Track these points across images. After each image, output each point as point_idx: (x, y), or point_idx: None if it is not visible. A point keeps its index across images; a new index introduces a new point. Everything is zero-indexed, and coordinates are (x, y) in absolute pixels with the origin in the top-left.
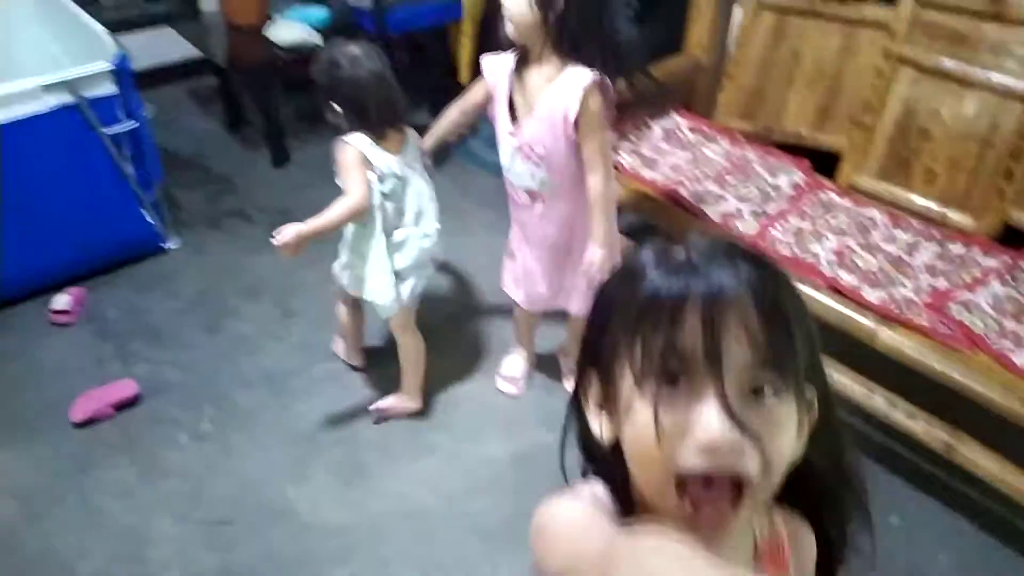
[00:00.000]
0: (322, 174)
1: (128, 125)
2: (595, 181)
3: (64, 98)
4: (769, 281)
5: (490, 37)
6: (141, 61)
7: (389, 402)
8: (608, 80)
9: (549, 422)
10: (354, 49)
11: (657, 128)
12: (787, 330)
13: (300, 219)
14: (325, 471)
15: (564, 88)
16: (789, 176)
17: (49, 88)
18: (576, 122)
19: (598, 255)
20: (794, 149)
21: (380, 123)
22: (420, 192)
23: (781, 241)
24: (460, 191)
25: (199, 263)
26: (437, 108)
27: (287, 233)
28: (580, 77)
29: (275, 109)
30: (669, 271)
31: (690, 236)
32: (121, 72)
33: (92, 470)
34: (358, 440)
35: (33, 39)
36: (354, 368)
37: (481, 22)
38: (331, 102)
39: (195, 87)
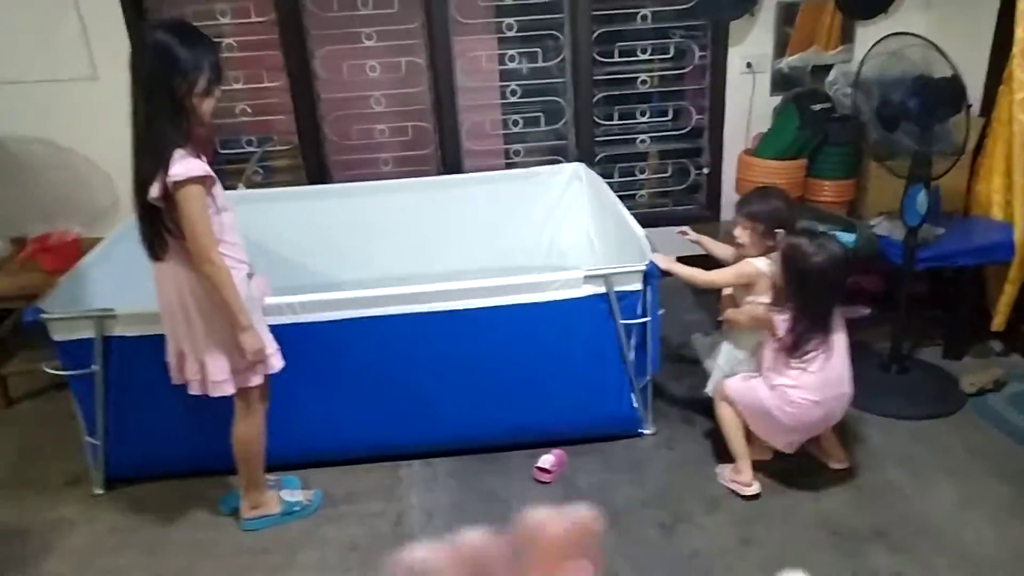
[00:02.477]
0: None
1: (642, 320)
2: None
3: (598, 288)
4: None
5: None
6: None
7: None
8: None
9: None
10: (783, 194)
11: None
12: None
13: None
14: None
15: None
16: None
17: (589, 278)
18: None
19: None
20: None
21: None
22: None
23: None
24: (968, 451)
25: (668, 457)
26: (954, 348)
27: (661, 259)
28: None
29: None
30: None
31: None
32: (649, 274)
33: None
34: None
35: (579, 224)
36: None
37: None
38: (774, 229)
39: None
